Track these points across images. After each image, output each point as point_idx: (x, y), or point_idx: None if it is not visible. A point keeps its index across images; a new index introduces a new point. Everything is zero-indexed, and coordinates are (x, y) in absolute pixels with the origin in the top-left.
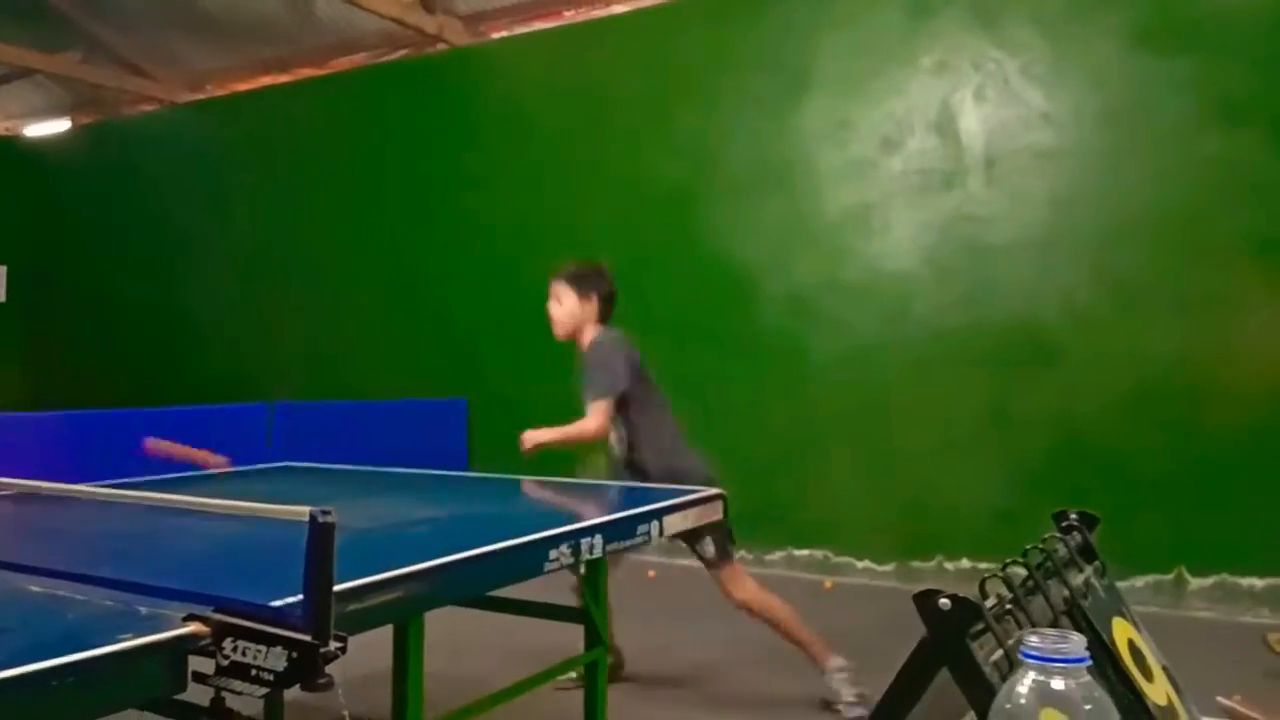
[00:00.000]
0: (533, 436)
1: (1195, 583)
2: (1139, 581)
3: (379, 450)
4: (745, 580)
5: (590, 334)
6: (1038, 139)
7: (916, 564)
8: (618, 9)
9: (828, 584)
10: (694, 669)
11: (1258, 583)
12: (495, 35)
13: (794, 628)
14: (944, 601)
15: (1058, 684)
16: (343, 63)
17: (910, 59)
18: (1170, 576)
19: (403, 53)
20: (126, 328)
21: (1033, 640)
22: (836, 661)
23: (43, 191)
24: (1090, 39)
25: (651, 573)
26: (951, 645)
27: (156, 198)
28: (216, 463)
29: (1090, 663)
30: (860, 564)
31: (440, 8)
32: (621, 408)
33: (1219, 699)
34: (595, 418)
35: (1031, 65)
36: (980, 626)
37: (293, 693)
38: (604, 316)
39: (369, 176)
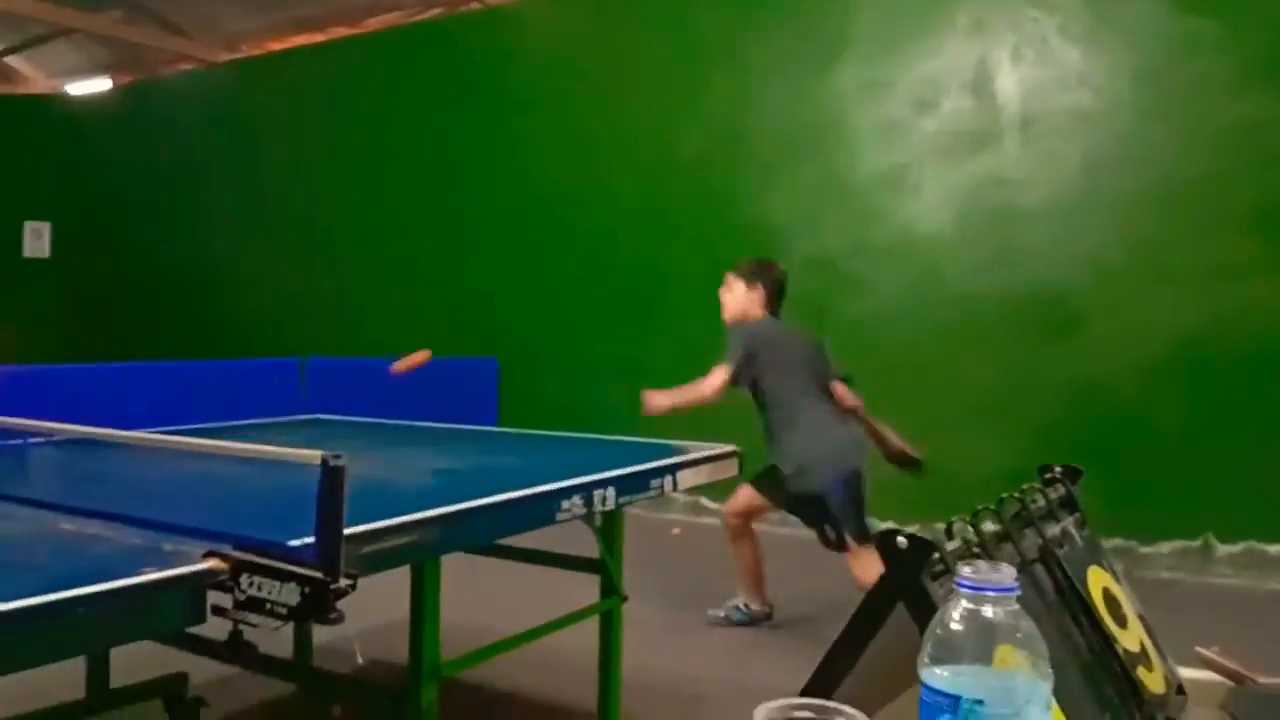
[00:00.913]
0: (655, 401)
1: (1223, 549)
2: (1165, 547)
3: (410, 407)
4: (874, 565)
5: (757, 320)
6: (1074, 100)
7: (940, 525)
8: None
9: None
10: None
11: None
12: None
13: None
14: (901, 540)
15: (988, 611)
16: (376, 22)
17: (947, 18)
18: (1198, 543)
19: (436, 11)
20: (164, 283)
21: (966, 570)
22: None
23: (84, 150)
24: None
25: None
26: (907, 581)
27: (194, 156)
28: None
29: (1019, 592)
30: (883, 525)
31: None
32: (755, 395)
33: (1197, 649)
34: (710, 384)
35: (1069, 24)
36: (940, 567)
37: (319, 635)
38: (770, 307)
39: (402, 135)
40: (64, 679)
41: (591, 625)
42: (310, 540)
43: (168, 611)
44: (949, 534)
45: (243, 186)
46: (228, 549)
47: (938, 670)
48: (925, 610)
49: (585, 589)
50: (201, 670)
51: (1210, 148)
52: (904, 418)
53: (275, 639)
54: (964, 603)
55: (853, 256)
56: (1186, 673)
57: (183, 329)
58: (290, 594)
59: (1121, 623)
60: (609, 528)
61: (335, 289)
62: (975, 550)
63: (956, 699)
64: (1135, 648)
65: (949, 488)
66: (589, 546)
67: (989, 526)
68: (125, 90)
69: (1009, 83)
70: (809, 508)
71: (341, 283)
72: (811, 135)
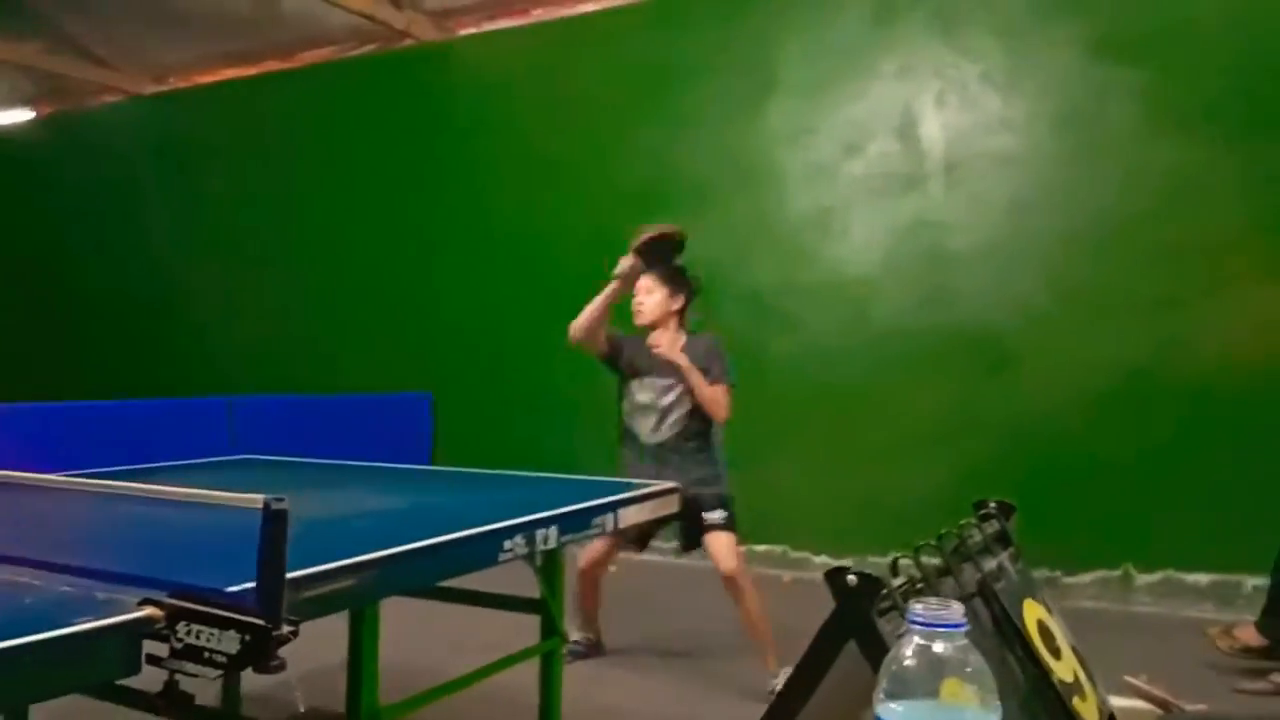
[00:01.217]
0: (672, 351)
1: (1142, 579)
2: (1087, 577)
3: (342, 445)
4: (737, 553)
5: (673, 330)
6: (996, 144)
7: (874, 559)
8: (585, 8)
9: (786, 579)
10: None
11: (1202, 578)
12: (463, 32)
13: (759, 619)
14: (851, 578)
15: (938, 647)
16: (309, 56)
17: (872, 65)
18: (1118, 573)
19: (370, 48)
20: (90, 319)
21: (917, 608)
22: (784, 670)
23: (4, 181)
24: (1047, 47)
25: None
26: (857, 618)
27: (121, 189)
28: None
29: (968, 628)
30: (818, 559)
31: (408, 4)
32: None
33: (1126, 678)
34: (728, 405)
35: (991, 72)
36: (888, 603)
37: (251, 683)
38: (684, 316)
39: (335, 171)
40: None
41: (533, 662)
42: (249, 586)
43: (102, 662)
44: (894, 570)
45: (170, 219)
46: (163, 596)
47: (891, 705)
48: (876, 647)
49: (526, 627)
50: None
51: (1129, 190)
52: (837, 452)
53: (200, 688)
54: (916, 639)
55: (785, 296)
56: (1117, 701)
57: (112, 364)
58: (230, 642)
59: (1056, 654)
60: (549, 567)
61: (267, 323)
62: (919, 586)
63: None
64: (1069, 678)
65: (883, 520)
66: (528, 584)
67: (929, 560)
68: (48, 121)
69: (933, 128)
70: (700, 507)
71: (274, 317)
72: (744, 175)
